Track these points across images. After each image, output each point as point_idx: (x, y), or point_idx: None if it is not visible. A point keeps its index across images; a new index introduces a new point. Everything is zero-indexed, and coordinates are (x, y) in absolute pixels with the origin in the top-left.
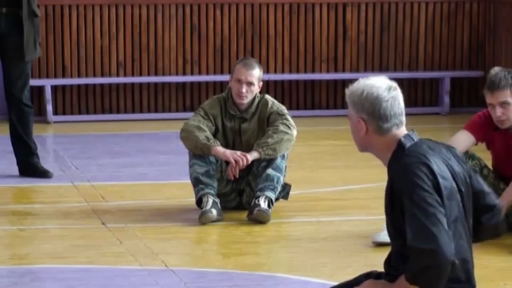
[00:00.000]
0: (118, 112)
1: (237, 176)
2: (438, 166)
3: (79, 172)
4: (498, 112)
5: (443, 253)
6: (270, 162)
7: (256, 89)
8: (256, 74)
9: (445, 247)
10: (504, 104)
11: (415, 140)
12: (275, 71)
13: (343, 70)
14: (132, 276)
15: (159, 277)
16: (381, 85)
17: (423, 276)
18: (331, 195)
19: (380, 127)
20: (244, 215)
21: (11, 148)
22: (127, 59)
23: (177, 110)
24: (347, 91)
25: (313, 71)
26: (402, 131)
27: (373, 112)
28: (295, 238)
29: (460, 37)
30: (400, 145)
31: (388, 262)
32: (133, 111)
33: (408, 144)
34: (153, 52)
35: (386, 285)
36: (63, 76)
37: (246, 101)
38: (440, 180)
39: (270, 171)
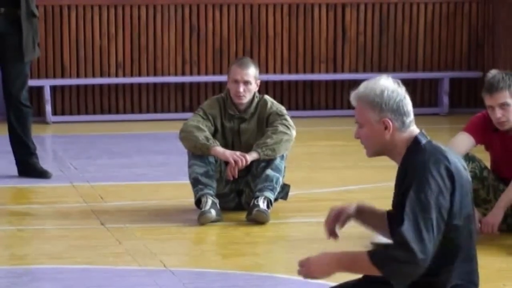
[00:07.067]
0: (117, 112)
1: (236, 176)
2: (455, 163)
3: (78, 173)
4: (498, 113)
5: (422, 259)
6: (269, 162)
7: (253, 87)
8: (252, 72)
9: (425, 255)
10: (503, 105)
11: (428, 138)
12: (274, 72)
13: (342, 71)
14: (131, 276)
15: (158, 277)
16: (391, 82)
17: (391, 265)
18: (330, 195)
19: (404, 123)
20: (243, 215)
21: (10, 149)
22: (126, 59)
23: (176, 111)
24: (357, 96)
25: (312, 71)
26: (415, 128)
27: (397, 109)
28: (294, 238)
29: (459, 38)
30: (416, 141)
31: None
32: (132, 112)
33: (423, 140)
34: (152, 52)
35: (345, 254)
36: (62, 76)
37: (245, 100)
38: (456, 177)
39: (269, 171)
